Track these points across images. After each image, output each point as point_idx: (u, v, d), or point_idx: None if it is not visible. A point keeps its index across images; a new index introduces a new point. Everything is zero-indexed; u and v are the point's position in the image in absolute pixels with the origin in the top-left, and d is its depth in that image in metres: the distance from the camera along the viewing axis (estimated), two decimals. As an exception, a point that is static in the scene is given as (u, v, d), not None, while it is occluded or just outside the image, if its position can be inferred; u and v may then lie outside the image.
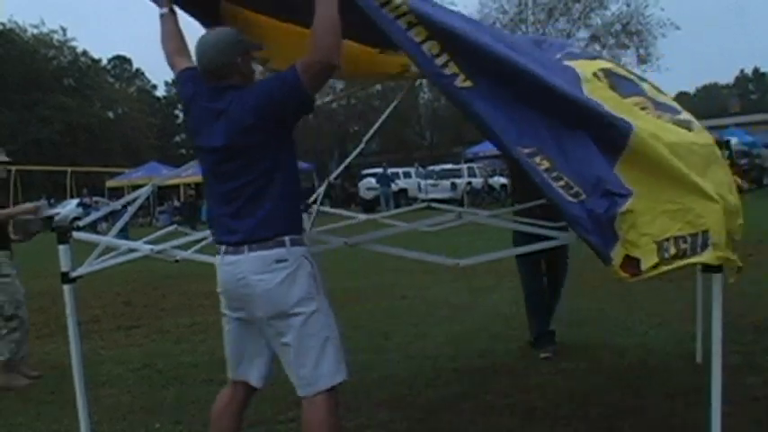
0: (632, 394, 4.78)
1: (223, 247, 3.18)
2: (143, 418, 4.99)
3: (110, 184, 38.95)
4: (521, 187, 6.12)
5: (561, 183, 2.94)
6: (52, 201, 33.76)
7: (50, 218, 4.23)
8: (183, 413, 5.02)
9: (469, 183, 32.52)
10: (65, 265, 3.79)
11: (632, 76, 4.04)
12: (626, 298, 8.00)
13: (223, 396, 3.45)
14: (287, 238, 3.08)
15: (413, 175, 35.14)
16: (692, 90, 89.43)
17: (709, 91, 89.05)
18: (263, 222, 3.06)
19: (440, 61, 2.94)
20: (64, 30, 55.27)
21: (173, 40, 3.55)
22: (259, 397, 5.32)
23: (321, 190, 6.04)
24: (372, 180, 34.03)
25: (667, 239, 2.96)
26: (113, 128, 57.43)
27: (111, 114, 61.07)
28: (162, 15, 3.60)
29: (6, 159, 6.41)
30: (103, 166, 42.51)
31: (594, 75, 3.63)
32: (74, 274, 3.82)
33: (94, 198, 34.30)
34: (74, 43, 56.90)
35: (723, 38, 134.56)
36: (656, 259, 2.92)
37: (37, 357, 6.80)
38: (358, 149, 5.69)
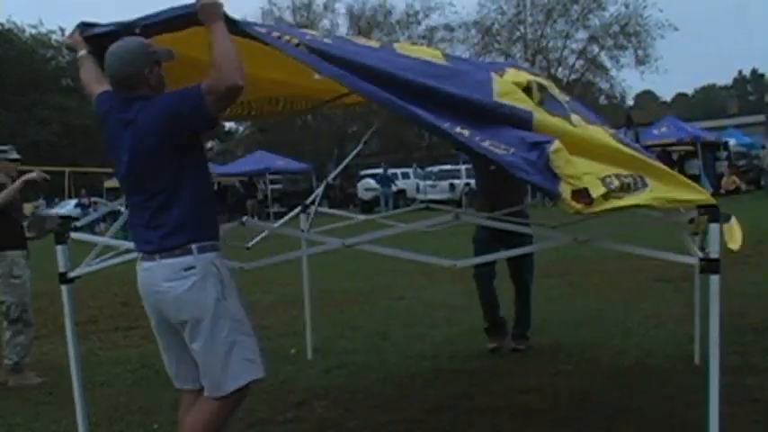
0: (631, 395, 4.77)
1: (140, 254, 3.26)
2: (141, 418, 4.98)
3: (108, 184, 38.81)
4: (486, 190, 6.13)
5: (487, 143, 3.04)
6: (56, 200, 33.72)
7: (68, 217, 4.31)
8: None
9: (468, 184, 32.45)
10: (62, 266, 3.79)
11: (566, 104, 4.11)
12: (624, 299, 8.01)
13: (182, 411, 3.46)
14: (194, 246, 3.14)
15: (411, 175, 35.13)
16: (690, 91, 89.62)
17: (708, 92, 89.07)
18: (171, 231, 3.14)
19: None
20: (62, 30, 54.98)
21: (90, 72, 3.58)
22: (258, 397, 5.32)
23: (319, 191, 6.04)
24: (371, 181, 34.00)
25: (608, 176, 3.03)
26: (112, 128, 57.27)
27: (109, 115, 60.97)
28: (80, 57, 3.64)
29: (17, 157, 6.41)
30: (101, 167, 42.46)
31: (517, 84, 3.78)
32: (71, 275, 3.82)
33: (93, 198, 34.29)
34: (72, 44, 56.86)
35: (721, 39, 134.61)
36: (603, 189, 2.95)
37: (35, 358, 6.78)
38: (356, 150, 5.70)
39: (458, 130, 3.07)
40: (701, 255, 3.16)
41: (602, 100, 45.21)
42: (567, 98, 4.33)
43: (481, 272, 6.19)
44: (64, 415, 4.89)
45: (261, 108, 4.97)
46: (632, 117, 28.38)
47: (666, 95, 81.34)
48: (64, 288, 3.82)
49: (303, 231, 5.50)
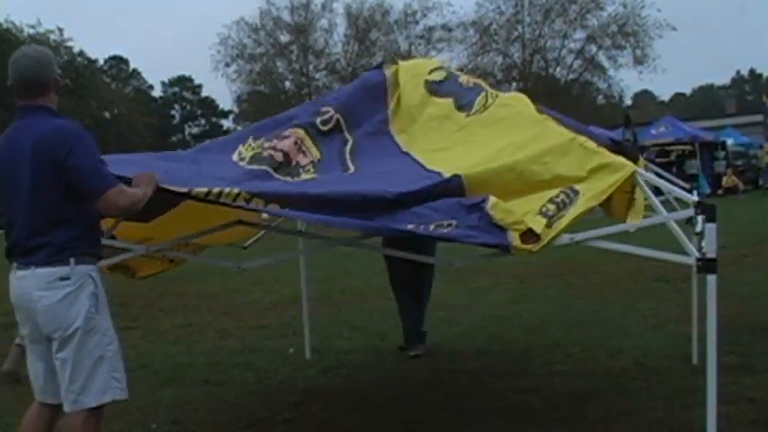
0: (628, 396, 4.78)
1: (15, 263, 3.26)
2: (139, 418, 4.98)
3: None
4: None
5: (432, 226, 3.27)
6: None
7: None
8: (180, 413, 5.02)
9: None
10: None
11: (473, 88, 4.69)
12: (622, 299, 8.02)
13: (31, 414, 3.47)
14: (72, 258, 3.15)
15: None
16: (688, 91, 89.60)
17: (706, 92, 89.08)
18: (51, 242, 3.14)
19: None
20: (60, 30, 54.92)
21: None
22: (256, 397, 5.34)
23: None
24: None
25: (543, 206, 3.32)
26: (110, 128, 57.32)
27: (107, 115, 61.00)
28: None
29: None
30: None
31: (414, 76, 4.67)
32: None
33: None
34: (70, 43, 56.63)
35: (720, 39, 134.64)
36: (544, 220, 3.22)
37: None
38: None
39: (410, 227, 3.31)
40: (698, 255, 3.16)
41: (601, 99, 45.18)
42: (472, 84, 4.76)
43: (391, 278, 6.43)
44: (62, 415, 4.88)
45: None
46: (630, 117, 28.40)
47: (664, 95, 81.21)
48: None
49: (301, 231, 5.51)
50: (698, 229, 3.24)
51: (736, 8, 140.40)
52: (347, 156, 4.34)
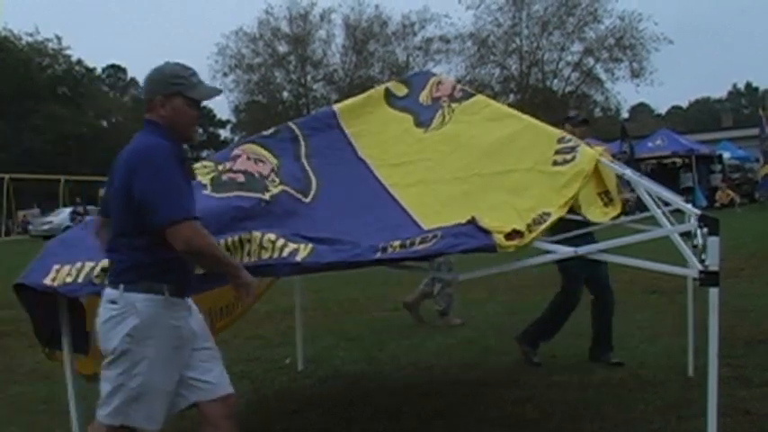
0: (624, 407, 4.78)
1: None
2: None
3: (103, 192, 38.82)
4: None
5: (418, 241, 3.24)
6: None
7: None
8: (175, 423, 5.00)
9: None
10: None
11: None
12: (619, 311, 8.00)
13: None
14: (123, 284, 3.17)
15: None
16: (685, 104, 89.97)
17: (702, 105, 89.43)
18: (117, 265, 3.23)
19: None
20: (59, 38, 55.21)
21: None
22: (253, 407, 5.33)
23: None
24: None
25: (527, 222, 3.35)
26: (107, 137, 57.37)
27: (104, 123, 61.07)
28: None
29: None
30: (95, 175, 42.44)
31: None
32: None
33: (87, 207, 34.23)
34: (68, 52, 56.85)
35: (716, 52, 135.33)
36: (524, 224, 3.28)
37: (28, 366, 6.77)
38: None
39: (389, 249, 3.25)
40: (700, 267, 3.16)
41: (598, 112, 45.40)
42: (431, 101, 4.75)
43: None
44: (58, 424, 4.87)
45: None
46: (627, 129, 28.51)
47: (661, 108, 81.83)
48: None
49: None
50: (698, 241, 3.25)
51: (730, 21, 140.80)
52: (303, 160, 4.31)
